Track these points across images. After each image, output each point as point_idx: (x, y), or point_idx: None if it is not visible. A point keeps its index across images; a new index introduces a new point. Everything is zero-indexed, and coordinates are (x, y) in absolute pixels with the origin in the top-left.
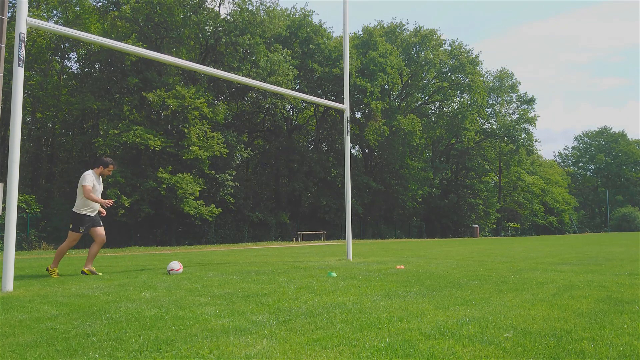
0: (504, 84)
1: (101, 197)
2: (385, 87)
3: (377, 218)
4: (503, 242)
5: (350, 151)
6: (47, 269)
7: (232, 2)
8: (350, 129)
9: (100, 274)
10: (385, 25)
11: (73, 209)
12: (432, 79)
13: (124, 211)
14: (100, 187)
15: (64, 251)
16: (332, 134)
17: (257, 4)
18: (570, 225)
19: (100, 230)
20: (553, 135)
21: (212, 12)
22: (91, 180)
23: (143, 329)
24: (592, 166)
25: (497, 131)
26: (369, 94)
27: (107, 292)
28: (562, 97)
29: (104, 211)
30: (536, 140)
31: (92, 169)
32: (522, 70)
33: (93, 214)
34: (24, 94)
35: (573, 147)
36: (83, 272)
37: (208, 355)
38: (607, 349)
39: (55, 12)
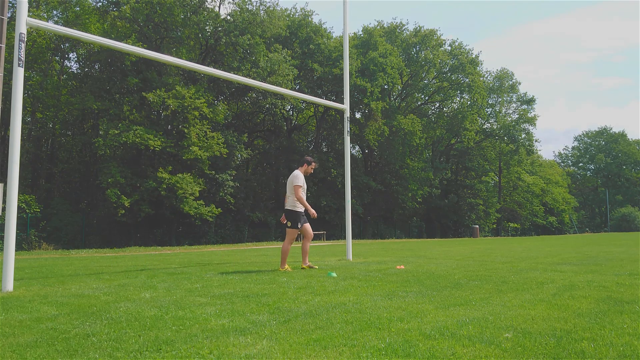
0: (504, 84)
1: (299, 195)
2: (385, 87)
3: (377, 218)
4: (503, 242)
5: (350, 151)
6: (279, 270)
7: (232, 2)
8: (350, 129)
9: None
10: (385, 26)
11: (288, 208)
12: (432, 79)
13: (124, 211)
14: (305, 186)
15: (288, 249)
16: (332, 134)
17: (257, 4)
18: (570, 225)
19: (308, 226)
20: (555, 135)
21: (212, 12)
22: (303, 180)
23: (143, 329)
24: (592, 166)
25: (497, 131)
26: (369, 94)
27: (107, 292)
28: (564, 97)
29: (315, 213)
30: (536, 140)
31: (297, 168)
32: (522, 70)
33: (303, 210)
34: (24, 94)
35: (573, 147)
36: (302, 268)
37: (208, 355)
38: (607, 349)
39: (55, 12)
